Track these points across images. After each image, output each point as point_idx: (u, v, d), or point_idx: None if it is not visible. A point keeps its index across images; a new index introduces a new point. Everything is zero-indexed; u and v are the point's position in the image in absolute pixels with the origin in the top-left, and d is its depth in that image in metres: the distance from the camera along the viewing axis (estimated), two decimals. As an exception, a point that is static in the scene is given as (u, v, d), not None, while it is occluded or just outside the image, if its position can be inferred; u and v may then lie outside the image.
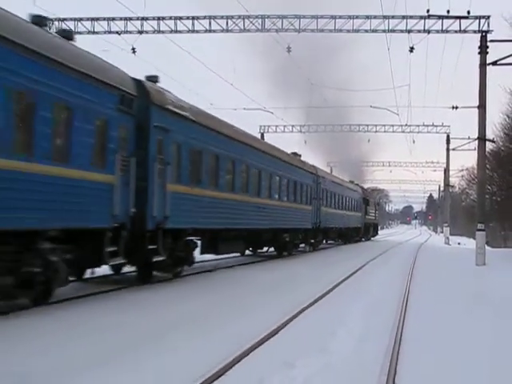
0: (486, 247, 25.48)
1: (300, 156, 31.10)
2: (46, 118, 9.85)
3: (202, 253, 18.25)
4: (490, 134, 32.42)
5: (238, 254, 24.23)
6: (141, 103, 13.11)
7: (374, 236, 59.98)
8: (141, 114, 13.07)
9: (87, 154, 11.18)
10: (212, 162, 17.29)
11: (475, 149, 28.08)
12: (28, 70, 9.47)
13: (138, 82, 13.47)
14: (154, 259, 13.86)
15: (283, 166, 25.57)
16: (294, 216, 27.21)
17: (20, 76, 9.28)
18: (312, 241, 32.39)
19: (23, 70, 9.37)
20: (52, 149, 10.13)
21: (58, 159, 10.27)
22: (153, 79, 14.58)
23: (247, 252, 25.53)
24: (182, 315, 10.43)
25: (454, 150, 48.59)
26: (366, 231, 53.72)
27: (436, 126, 47.13)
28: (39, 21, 10.57)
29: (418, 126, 46.80)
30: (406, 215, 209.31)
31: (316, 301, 12.37)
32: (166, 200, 13.97)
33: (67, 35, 11.52)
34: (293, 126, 47.65)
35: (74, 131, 10.70)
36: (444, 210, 62.35)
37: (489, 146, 33.21)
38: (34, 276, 9.98)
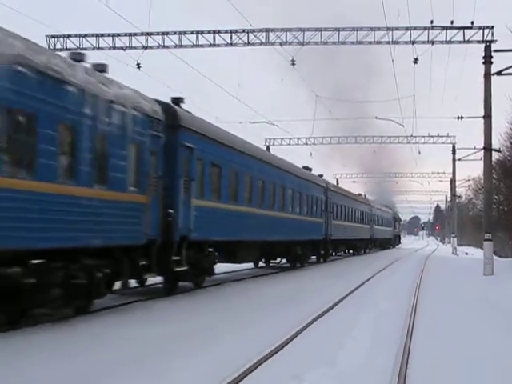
0: (494, 257, 25.31)
1: (362, 195, 54.50)
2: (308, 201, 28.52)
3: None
4: (495, 144, 32.35)
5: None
6: (324, 189, 31.92)
7: (398, 244, 77.82)
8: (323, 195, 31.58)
9: (315, 209, 29.62)
10: (342, 209, 37.43)
11: (481, 159, 27.93)
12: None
13: (322, 179, 32.85)
14: (322, 252, 32.69)
15: (356, 203, 44.89)
16: (360, 231, 45.82)
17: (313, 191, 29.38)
18: (369, 246, 52.46)
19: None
20: (307, 211, 27.71)
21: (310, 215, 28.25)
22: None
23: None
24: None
25: (460, 160, 48.31)
26: (394, 241, 73.54)
27: (441, 136, 47.03)
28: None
29: (424, 136, 46.72)
30: (412, 226, 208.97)
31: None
32: (332, 226, 33.17)
33: (308, 168, 30.69)
34: (298, 138, 47.73)
35: (313, 204, 28.91)
36: (451, 221, 62.32)
37: (495, 155, 33.26)
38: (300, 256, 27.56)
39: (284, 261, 28.14)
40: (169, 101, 15.10)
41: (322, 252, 32.79)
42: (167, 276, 14.72)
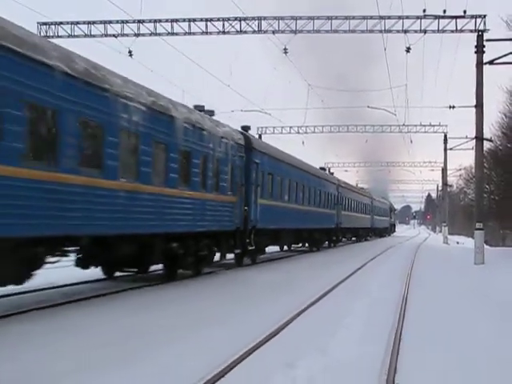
0: (485, 246, 25.51)
1: (363, 188, 62.84)
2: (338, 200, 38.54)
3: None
4: (487, 133, 32.26)
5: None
6: (336, 186, 38.94)
7: (393, 233, 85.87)
8: (335, 190, 38.40)
9: (330, 203, 36.40)
10: (349, 202, 44.91)
11: (473, 148, 27.44)
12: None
13: (334, 177, 41.67)
14: (333, 238, 39.80)
15: (361, 196, 51.88)
16: (363, 220, 52.74)
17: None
18: (370, 234, 59.54)
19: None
20: (324, 204, 34.69)
21: (327, 207, 35.83)
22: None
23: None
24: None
25: (451, 149, 48.77)
26: (390, 229, 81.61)
27: (433, 125, 46.79)
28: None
29: (416, 125, 46.40)
30: (404, 215, 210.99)
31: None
32: (342, 216, 39.80)
33: (323, 168, 41.07)
34: (290, 127, 47.72)
35: (328, 199, 35.82)
36: (442, 210, 63.02)
37: (486, 145, 32.71)
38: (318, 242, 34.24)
39: (300, 245, 33.87)
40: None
41: (334, 238, 39.20)
42: (239, 253, 20.37)
